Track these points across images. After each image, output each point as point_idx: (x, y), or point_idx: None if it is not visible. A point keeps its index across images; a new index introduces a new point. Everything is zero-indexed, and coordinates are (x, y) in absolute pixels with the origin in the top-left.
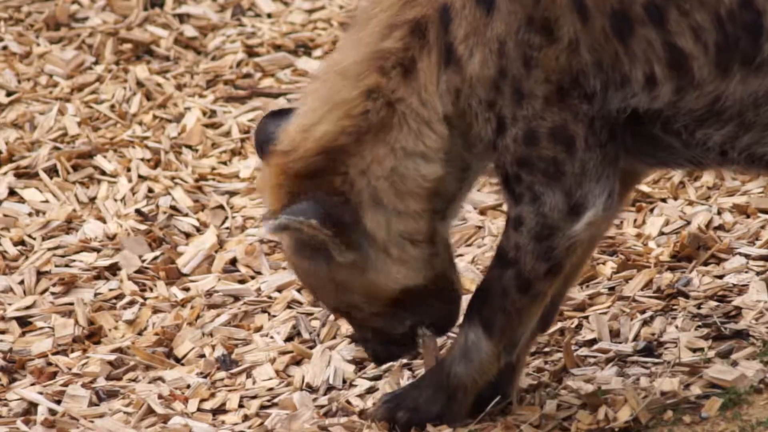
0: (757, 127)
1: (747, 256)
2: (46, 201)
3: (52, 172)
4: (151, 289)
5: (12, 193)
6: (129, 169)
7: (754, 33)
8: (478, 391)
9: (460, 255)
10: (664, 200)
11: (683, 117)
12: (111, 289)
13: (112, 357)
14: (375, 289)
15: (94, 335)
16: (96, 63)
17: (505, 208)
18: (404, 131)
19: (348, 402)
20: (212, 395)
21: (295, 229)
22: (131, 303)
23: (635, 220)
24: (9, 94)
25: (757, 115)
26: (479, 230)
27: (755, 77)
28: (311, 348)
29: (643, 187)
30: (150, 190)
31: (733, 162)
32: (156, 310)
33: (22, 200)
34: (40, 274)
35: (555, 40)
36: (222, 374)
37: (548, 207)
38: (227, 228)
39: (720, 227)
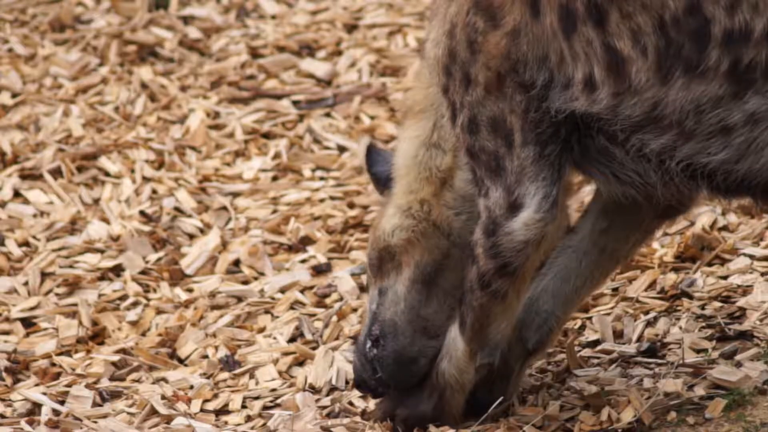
0: (698, 137)
1: (751, 256)
2: (51, 202)
3: (56, 173)
4: (155, 290)
5: (17, 194)
6: (133, 171)
7: (701, 40)
8: (466, 391)
9: None
10: None
11: (621, 122)
12: (115, 290)
13: (116, 358)
14: (376, 230)
15: (97, 336)
16: (100, 65)
17: None
18: (423, 120)
19: (351, 403)
20: (215, 396)
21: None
22: (135, 304)
23: None
24: (14, 95)
25: (698, 123)
26: None
27: (698, 84)
28: (314, 349)
29: None
30: (154, 192)
31: (673, 174)
32: (159, 311)
33: (26, 201)
34: (44, 275)
35: (497, 26)
36: (225, 375)
37: (492, 201)
38: (231, 229)
39: (724, 228)
